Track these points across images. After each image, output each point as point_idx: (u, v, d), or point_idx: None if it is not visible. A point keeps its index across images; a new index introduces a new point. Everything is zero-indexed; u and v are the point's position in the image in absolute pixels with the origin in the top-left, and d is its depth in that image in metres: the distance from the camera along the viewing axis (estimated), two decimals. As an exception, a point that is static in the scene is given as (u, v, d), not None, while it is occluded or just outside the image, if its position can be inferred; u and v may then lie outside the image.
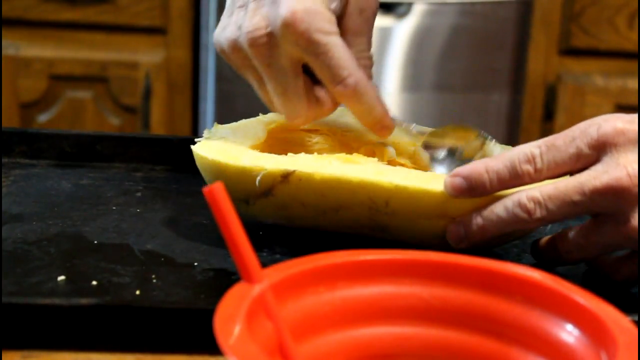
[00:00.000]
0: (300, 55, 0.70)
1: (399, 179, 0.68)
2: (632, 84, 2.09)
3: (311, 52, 0.69)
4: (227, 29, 0.72)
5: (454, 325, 0.52)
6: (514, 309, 0.51)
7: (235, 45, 0.71)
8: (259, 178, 0.69)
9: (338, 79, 0.70)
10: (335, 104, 0.74)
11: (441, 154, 0.76)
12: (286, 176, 0.68)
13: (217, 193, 0.46)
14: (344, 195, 0.68)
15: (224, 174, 0.70)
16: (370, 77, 0.75)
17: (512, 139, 2.09)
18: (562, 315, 0.49)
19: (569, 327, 0.49)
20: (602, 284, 0.69)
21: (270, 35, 0.69)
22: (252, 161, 0.70)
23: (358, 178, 0.68)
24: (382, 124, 0.74)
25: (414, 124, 0.77)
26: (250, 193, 0.70)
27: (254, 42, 0.70)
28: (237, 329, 0.44)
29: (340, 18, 0.74)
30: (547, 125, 2.11)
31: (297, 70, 0.71)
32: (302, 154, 0.71)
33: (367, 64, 0.75)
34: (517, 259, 0.72)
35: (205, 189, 0.46)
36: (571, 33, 2.08)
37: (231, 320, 0.44)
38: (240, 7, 0.72)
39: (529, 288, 0.51)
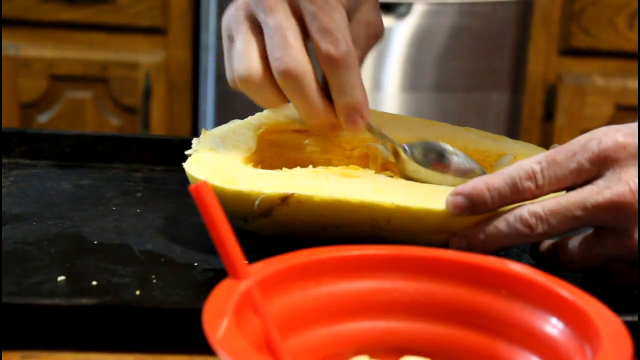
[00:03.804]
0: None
1: (400, 199, 0.67)
2: (632, 84, 2.09)
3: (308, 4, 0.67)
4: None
5: (438, 320, 0.52)
6: (498, 302, 0.51)
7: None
8: (257, 202, 0.68)
9: (330, 38, 0.68)
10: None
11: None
12: (285, 199, 0.68)
13: (203, 191, 0.47)
14: (344, 215, 0.68)
15: (220, 196, 0.68)
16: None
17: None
18: (547, 308, 0.50)
19: (554, 320, 0.49)
20: (603, 284, 0.69)
21: None
22: (249, 184, 0.68)
23: (358, 200, 0.67)
24: (355, 112, 0.71)
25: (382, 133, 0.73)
26: (249, 213, 0.69)
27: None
28: (224, 324, 0.44)
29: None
30: (547, 125, 2.11)
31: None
32: (298, 169, 0.71)
33: None
34: (517, 259, 0.72)
35: (191, 187, 0.47)
36: (571, 33, 2.08)
37: (219, 315, 0.45)
38: None
39: (514, 282, 0.51)
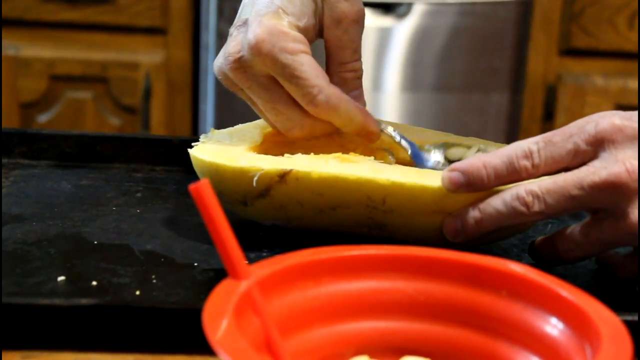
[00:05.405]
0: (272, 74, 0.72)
1: (396, 176, 0.68)
2: (632, 84, 2.09)
3: (279, 72, 0.71)
4: (218, 57, 0.75)
5: (438, 320, 0.52)
6: (498, 302, 0.51)
7: (221, 72, 0.74)
8: (256, 178, 0.69)
9: (308, 98, 0.71)
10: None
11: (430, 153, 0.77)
12: (283, 176, 0.69)
13: (203, 190, 0.47)
14: (341, 193, 0.69)
15: (221, 175, 0.70)
16: (357, 86, 0.77)
17: (512, 139, 2.08)
18: (547, 308, 0.50)
19: (554, 320, 0.49)
20: (602, 284, 0.69)
21: (242, 59, 0.72)
22: (249, 162, 0.70)
23: (355, 176, 0.68)
24: (366, 131, 0.75)
25: (397, 134, 0.77)
26: (248, 194, 0.70)
27: (231, 67, 0.73)
28: (224, 324, 0.44)
29: (321, 31, 0.76)
30: (547, 125, 2.11)
31: (278, 84, 0.72)
32: (299, 154, 0.72)
33: (351, 75, 0.76)
34: (518, 259, 0.72)
35: (191, 186, 0.47)
36: (571, 33, 2.08)
37: (219, 315, 0.45)
38: (230, 35, 0.75)
39: (514, 282, 0.51)
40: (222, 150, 0.72)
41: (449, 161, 0.76)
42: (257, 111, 0.76)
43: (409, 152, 0.76)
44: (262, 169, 0.69)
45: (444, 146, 0.77)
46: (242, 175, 0.70)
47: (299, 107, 0.73)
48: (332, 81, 0.74)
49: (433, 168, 0.75)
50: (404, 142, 0.76)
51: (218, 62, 0.74)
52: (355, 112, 0.73)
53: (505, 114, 2.10)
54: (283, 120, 0.74)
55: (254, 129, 0.77)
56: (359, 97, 0.77)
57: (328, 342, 0.52)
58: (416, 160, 0.75)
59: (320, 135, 0.77)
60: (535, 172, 0.66)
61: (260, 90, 0.73)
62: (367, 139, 0.76)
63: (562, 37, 2.09)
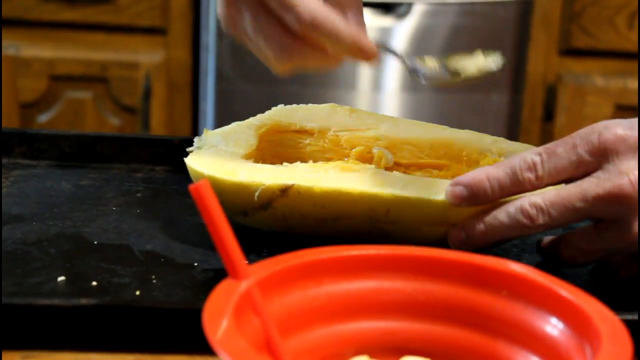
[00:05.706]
0: None
1: (399, 189, 0.68)
2: (632, 84, 2.09)
3: None
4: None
5: (438, 319, 0.52)
6: (498, 302, 0.51)
7: (220, 15, 0.73)
8: (257, 193, 0.68)
9: (293, 17, 0.69)
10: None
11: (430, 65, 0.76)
12: (285, 190, 0.68)
13: (203, 190, 0.47)
14: (344, 206, 0.68)
15: (220, 188, 0.69)
16: (356, 7, 0.73)
17: (512, 139, 2.08)
18: (547, 308, 0.50)
19: (554, 320, 0.49)
20: (603, 284, 0.69)
21: None
22: (249, 176, 0.69)
23: (358, 190, 0.68)
24: (359, 49, 0.71)
25: (396, 48, 0.75)
26: (248, 206, 0.70)
27: (224, 1, 0.72)
28: (224, 324, 0.44)
29: None
30: (547, 125, 2.11)
31: (267, 11, 0.70)
32: (298, 164, 0.71)
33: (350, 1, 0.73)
34: (517, 259, 0.72)
35: (191, 187, 0.47)
36: (571, 33, 2.08)
37: (219, 315, 0.45)
38: None
39: (514, 282, 0.51)
40: (219, 161, 0.71)
41: (451, 71, 0.75)
42: (257, 53, 0.74)
43: (407, 64, 0.74)
44: (263, 184, 0.68)
45: (443, 58, 0.76)
46: (243, 190, 0.69)
47: (290, 34, 0.71)
48: (329, 4, 0.71)
49: (427, 75, 0.74)
50: (401, 54, 0.74)
51: (217, 8, 0.74)
52: (343, 30, 0.70)
53: (505, 114, 2.10)
54: (274, 49, 0.71)
55: (247, 129, 0.76)
56: (358, 20, 0.73)
57: (328, 342, 0.52)
58: (414, 72, 0.74)
59: (313, 66, 0.73)
60: (539, 184, 0.66)
61: (251, 20, 0.71)
62: (362, 58, 0.72)
63: (562, 37, 2.08)
